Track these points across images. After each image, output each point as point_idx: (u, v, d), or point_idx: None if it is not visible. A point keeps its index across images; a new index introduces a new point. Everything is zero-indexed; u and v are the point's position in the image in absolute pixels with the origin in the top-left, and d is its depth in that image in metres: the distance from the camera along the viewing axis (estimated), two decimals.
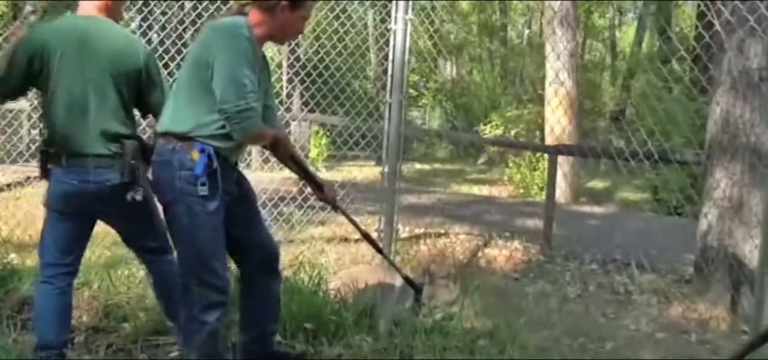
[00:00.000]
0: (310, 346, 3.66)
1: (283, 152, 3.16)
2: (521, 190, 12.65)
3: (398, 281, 4.28)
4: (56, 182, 3.06)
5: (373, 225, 6.97)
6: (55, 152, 3.05)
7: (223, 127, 2.75)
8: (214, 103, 2.72)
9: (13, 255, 4.92)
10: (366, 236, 3.85)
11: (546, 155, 11.95)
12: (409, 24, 5.06)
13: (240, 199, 3.05)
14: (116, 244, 4.76)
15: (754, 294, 4.58)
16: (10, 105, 10.70)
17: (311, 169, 3.50)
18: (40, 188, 8.07)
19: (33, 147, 8.14)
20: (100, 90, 3.01)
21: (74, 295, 3.95)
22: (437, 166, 17.49)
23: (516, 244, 6.70)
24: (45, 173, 3.13)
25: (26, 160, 8.86)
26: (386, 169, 5.47)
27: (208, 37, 2.82)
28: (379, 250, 4.02)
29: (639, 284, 5.60)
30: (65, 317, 3.20)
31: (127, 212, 3.06)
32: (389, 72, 5.16)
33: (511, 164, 13.55)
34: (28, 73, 3.02)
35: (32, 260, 4.72)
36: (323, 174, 14.36)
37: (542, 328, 4.48)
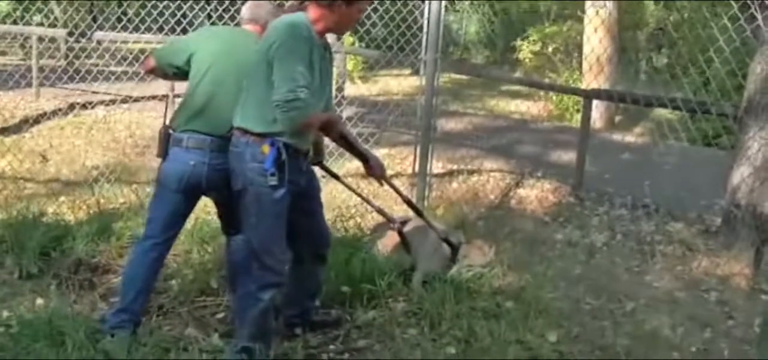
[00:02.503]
0: (345, 311, 3.91)
1: (334, 133, 3.31)
2: (556, 112, 12.60)
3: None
4: (174, 161, 3.36)
5: (408, 158, 7.16)
6: (179, 133, 3.36)
7: None
8: None
9: (63, 198, 5.17)
10: (408, 202, 4.09)
11: (582, 78, 11.97)
12: None
13: (305, 191, 3.28)
14: None
15: None
16: (47, 31, 10.87)
17: (362, 145, 3.69)
18: (83, 118, 8.41)
19: (70, 69, 8.31)
20: (235, 87, 3.27)
21: (124, 252, 4.28)
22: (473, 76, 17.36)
23: (547, 184, 6.80)
24: (164, 153, 3.43)
25: (65, 82, 9.04)
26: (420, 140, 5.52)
27: (270, 37, 3.00)
28: (420, 214, 4.18)
29: (666, 234, 5.71)
30: (151, 288, 3.58)
31: (231, 195, 3.27)
32: (424, 29, 5.17)
33: (547, 81, 13.46)
34: (188, 59, 3.44)
35: (85, 211, 5.01)
36: (359, 87, 14.48)
37: (568, 284, 4.68)
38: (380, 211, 4.17)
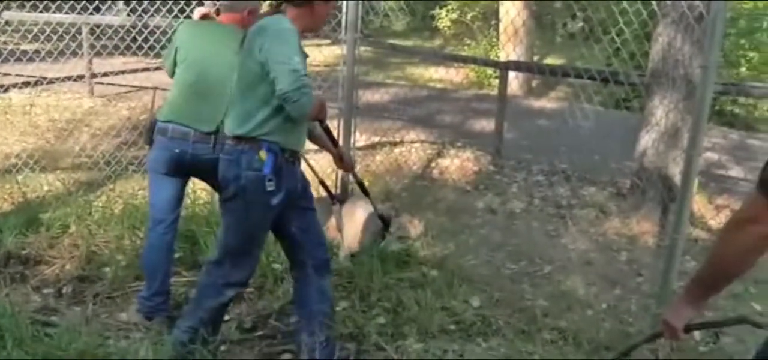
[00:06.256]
0: (279, 287, 4.04)
1: (322, 115, 3.23)
2: (475, 79, 12.88)
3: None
4: (160, 149, 3.54)
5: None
6: (164, 123, 3.53)
7: (284, 120, 2.93)
8: (272, 99, 2.89)
9: None
10: (359, 183, 4.15)
11: (502, 35, 12.27)
12: None
13: (299, 199, 3.21)
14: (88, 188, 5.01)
15: None
16: None
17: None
18: None
19: None
20: (216, 85, 3.46)
21: (55, 243, 4.28)
22: (393, 41, 17.47)
23: (468, 153, 7.03)
24: (149, 141, 3.64)
25: None
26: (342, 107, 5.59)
27: (255, 40, 2.93)
28: (367, 194, 4.25)
29: (580, 197, 6.04)
30: (171, 268, 3.80)
31: (216, 180, 3.30)
32: (344, 10, 5.23)
33: (466, 49, 13.75)
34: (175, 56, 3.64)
35: (9, 202, 4.94)
36: None
37: (489, 250, 4.94)
38: (325, 187, 4.26)
